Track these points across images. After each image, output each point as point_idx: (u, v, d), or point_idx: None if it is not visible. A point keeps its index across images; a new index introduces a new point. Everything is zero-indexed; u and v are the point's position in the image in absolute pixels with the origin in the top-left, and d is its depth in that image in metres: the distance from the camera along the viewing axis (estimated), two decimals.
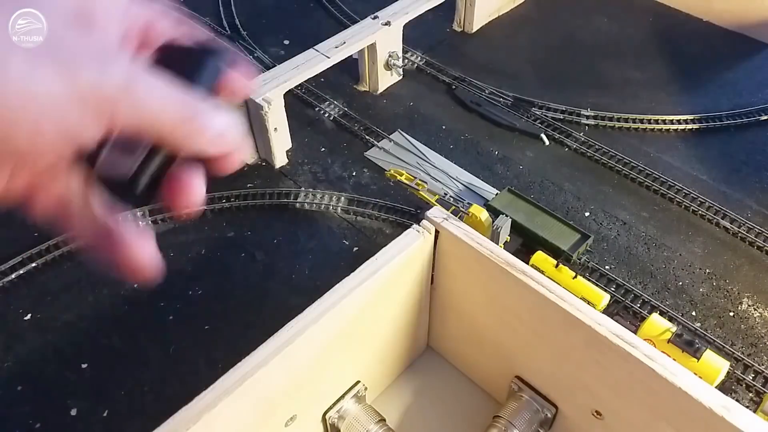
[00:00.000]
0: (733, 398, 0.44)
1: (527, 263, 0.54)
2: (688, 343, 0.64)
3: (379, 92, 1.06)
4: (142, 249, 0.26)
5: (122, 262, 0.26)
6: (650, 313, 0.72)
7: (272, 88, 0.85)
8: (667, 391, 0.43)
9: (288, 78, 0.87)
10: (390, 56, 1.04)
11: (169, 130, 0.23)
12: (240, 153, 0.25)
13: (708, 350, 0.65)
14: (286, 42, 1.17)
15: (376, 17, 1.01)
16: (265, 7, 1.27)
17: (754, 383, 0.68)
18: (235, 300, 0.76)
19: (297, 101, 1.05)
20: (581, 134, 0.98)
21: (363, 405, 0.57)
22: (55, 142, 0.21)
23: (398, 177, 0.80)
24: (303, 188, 0.90)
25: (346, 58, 0.95)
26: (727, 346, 0.71)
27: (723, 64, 1.14)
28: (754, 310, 0.75)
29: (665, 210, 0.88)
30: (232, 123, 0.25)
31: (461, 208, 0.77)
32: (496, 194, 0.88)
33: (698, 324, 0.74)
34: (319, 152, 0.96)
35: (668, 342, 0.65)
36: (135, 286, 0.78)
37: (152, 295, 0.77)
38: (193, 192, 0.26)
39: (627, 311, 0.75)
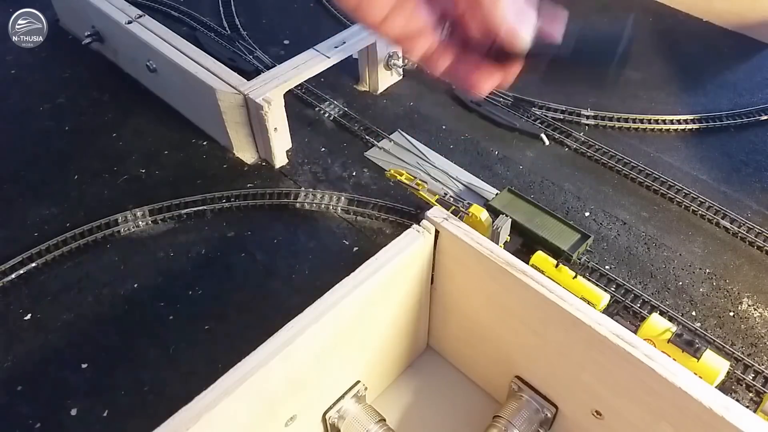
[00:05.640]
0: (733, 398, 0.44)
1: (527, 263, 0.54)
2: (688, 343, 0.64)
3: (379, 92, 1.06)
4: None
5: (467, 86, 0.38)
6: (650, 313, 0.72)
7: (272, 88, 0.85)
8: (667, 391, 0.43)
9: (288, 78, 0.87)
10: (390, 56, 1.04)
11: None
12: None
13: (708, 350, 0.65)
14: (286, 42, 1.17)
15: None
16: (265, 7, 1.27)
17: (754, 383, 0.68)
18: (235, 300, 0.76)
19: (297, 101, 1.05)
20: (581, 134, 0.98)
21: (363, 405, 0.57)
22: None
23: (398, 177, 0.80)
24: (303, 188, 0.90)
25: (346, 58, 0.95)
26: (727, 346, 0.72)
27: (723, 64, 1.14)
28: (754, 310, 0.76)
29: (665, 210, 0.88)
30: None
31: (461, 208, 0.76)
32: (496, 194, 0.88)
33: (698, 324, 0.74)
34: (319, 152, 0.96)
35: (668, 342, 0.65)
36: (135, 285, 0.78)
37: (152, 295, 0.77)
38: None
39: (627, 311, 0.75)
